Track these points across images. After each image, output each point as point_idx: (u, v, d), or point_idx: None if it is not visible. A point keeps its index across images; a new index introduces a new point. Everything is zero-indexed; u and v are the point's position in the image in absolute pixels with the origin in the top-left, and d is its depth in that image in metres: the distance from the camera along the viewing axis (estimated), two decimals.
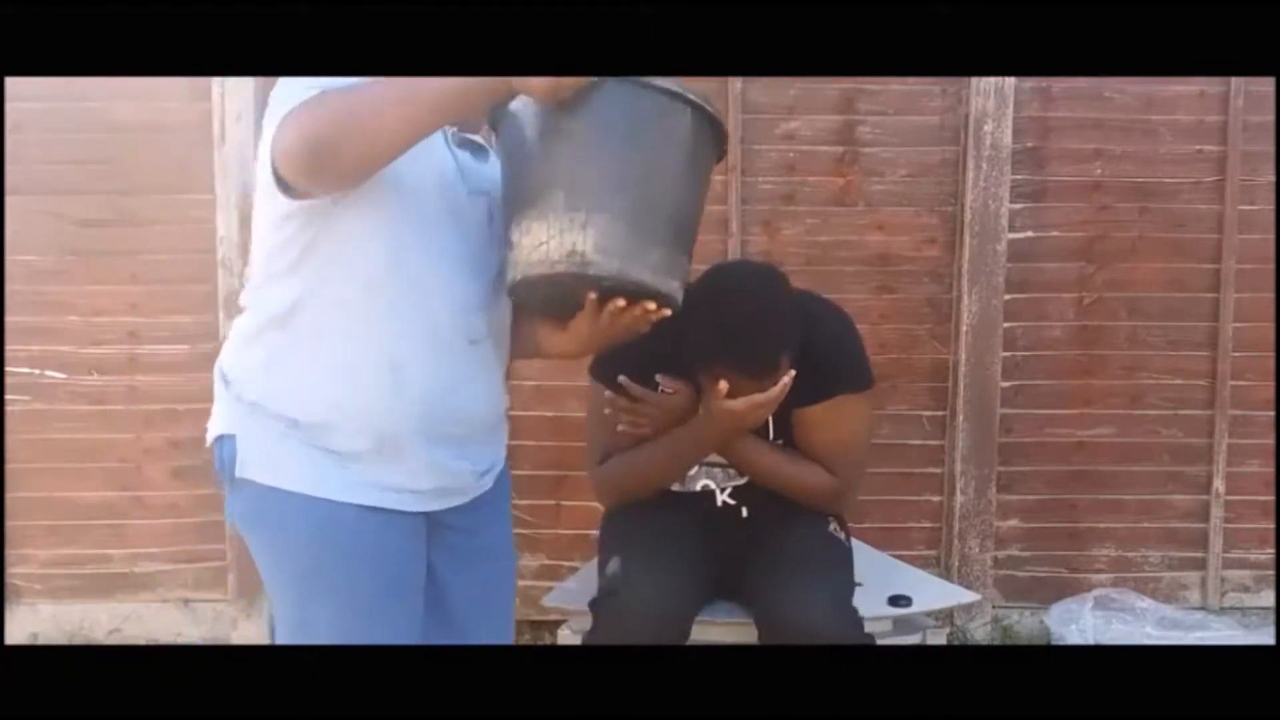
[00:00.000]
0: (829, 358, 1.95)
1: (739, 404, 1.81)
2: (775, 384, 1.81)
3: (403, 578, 1.48)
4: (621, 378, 1.91)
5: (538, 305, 1.55)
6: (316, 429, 1.43)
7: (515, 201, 1.45)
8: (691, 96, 1.44)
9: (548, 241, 1.41)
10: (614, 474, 2.04)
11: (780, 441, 2.00)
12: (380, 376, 1.42)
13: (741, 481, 2.05)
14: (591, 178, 1.41)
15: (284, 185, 1.35)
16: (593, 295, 1.44)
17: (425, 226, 1.44)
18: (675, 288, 1.47)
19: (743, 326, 1.80)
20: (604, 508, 2.13)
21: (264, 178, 1.38)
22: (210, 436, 1.50)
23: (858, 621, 1.90)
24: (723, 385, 1.79)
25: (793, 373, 1.82)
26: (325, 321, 1.42)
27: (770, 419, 1.96)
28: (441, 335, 1.45)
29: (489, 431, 1.56)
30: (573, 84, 1.32)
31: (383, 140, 1.29)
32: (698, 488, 2.06)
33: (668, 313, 1.47)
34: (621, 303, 1.43)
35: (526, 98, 1.37)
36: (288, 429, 1.43)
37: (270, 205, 1.41)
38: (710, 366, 1.84)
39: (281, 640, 1.49)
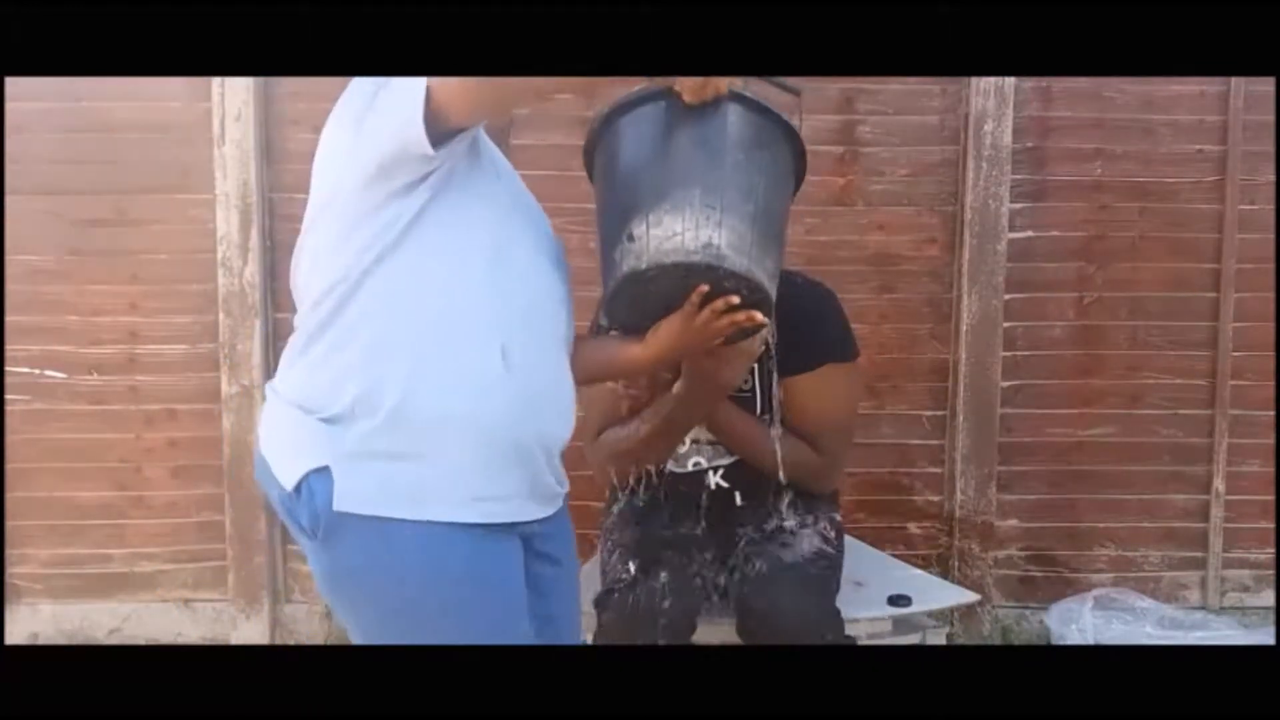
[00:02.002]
0: (813, 329, 1.98)
1: (714, 358, 1.79)
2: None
3: (520, 607, 1.44)
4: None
5: (636, 305, 1.57)
6: (422, 430, 1.34)
7: (637, 198, 1.51)
8: (799, 133, 1.61)
9: (682, 233, 1.48)
10: (609, 446, 2.04)
11: (767, 417, 2.01)
12: (491, 362, 1.37)
13: (730, 460, 2.05)
14: (725, 181, 1.51)
15: (434, 126, 1.31)
16: (704, 288, 1.50)
17: (523, 223, 1.48)
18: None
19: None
20: (602, 481, 2.14)
21: (384, 148, 1.33)
22: (293, 479, 1.35)
23: (836, 623, 1.90)
24: None
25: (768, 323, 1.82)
26: (430, 313, 1.36)
27: (757, 392, 1.99)
28: (542, 326, 1.45)
29: (563, 442, 1.52)
30: (717, 84, 1.45)
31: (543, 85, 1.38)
32: (689, 465, 2.06)
33: (765, 321, 1.55)
34: (735, 299, 1.49)
35: (649, 106, 1.51)
36: (387, 441, 1.34)
37: (362, 195, 1.35)
38: None
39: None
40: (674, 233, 1.47)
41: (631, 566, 1.94)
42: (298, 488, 1.34)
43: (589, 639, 2.03)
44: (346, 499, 1.33)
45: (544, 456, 1.44)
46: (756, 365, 1.94)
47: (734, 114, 1.53)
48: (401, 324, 1.36)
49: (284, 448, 1.38)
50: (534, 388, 1.42)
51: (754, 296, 1.53)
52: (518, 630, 1.42)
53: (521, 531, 1.45)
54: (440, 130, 1.32)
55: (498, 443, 1.38)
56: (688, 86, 1.47)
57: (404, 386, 1.34)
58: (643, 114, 1.54)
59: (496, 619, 1.40)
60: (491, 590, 1.40)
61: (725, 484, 2.06)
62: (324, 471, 1.33)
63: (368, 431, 1.34)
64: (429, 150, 1.31)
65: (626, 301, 1.56)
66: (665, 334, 1.57)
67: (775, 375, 1.95)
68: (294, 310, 1.48)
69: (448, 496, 1.35)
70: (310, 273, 1.42)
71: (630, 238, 1.50)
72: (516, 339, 1.40)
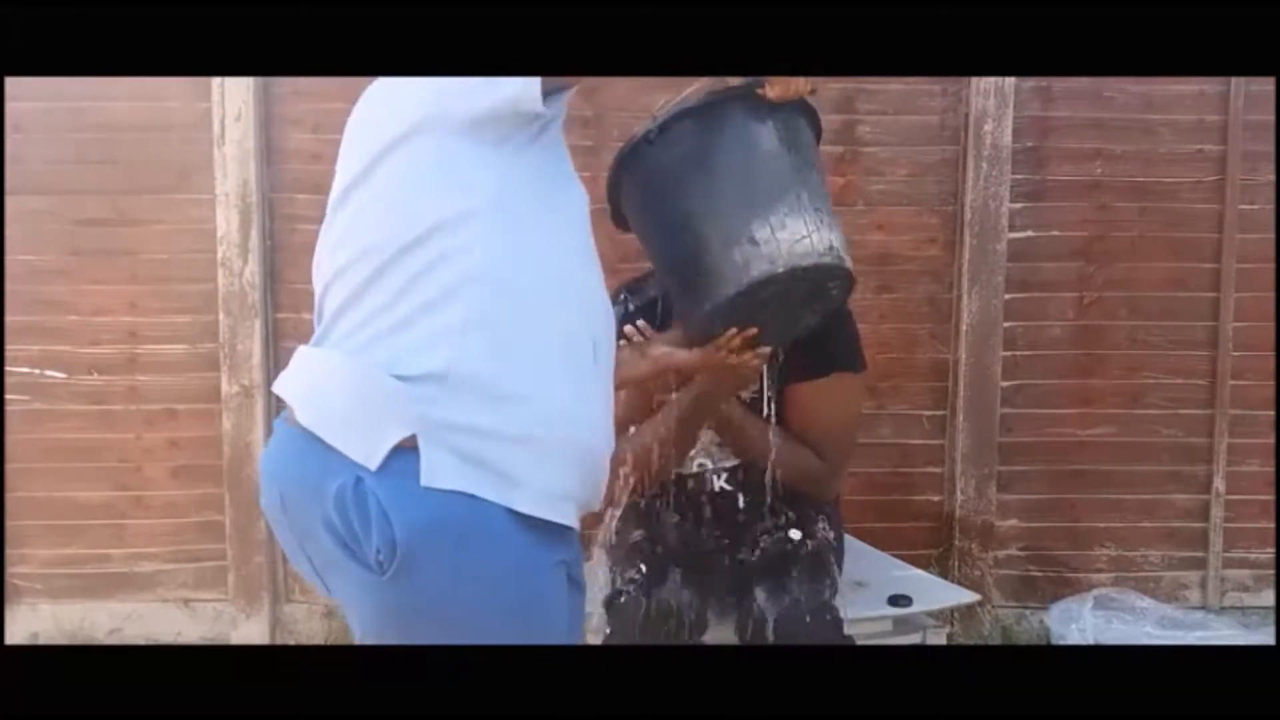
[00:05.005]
0: (825, 337, 1.98)
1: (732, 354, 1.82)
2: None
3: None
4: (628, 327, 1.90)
5: (743, 310, 1.61)
6: (520, 414, 1.27)
7: (746, 199, 1.54)
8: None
9: (809, 235, 1.52)
10: (620, 452, 2.05)
11: (774, 421, 2.02)
12: (586, 355, 1.34)
13: (735, 462, 2.06)
14: (817, 184, 1.58)
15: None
16: (734, 330, 1.63)
17: (588, 218, 1.43)
18: None
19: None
20: (611, 488, 2.14)
21: (487, 100, 1.28)
22: (382, 450, 1.23)
23: (834, 622, 1.90)
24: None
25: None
26: (534, 294, 1.30)
27: (765, 397, 2.00)
28: (611, 325, 1.44)
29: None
30: (798, 84, 1.53)
31: None
32: (694, 466, 2.07)
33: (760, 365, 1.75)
34: (754, 331, 1.62)
35: (730, 106, 1.56)
36: (483, 419, 1.25)
37: (450, 145, 1.28)
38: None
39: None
40: (800, 235, 1.51)
41: (642, 567, 1.95)
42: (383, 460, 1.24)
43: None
44: (436, 474, 1.23)
45: (604, 460, 1.39)
46: (765, 368, 1.95)
47: (805, 119, 1.60)
48: (506, 299, 1.28)
49: (367, 413, 1.26)
50: (609, 388, 1.40)
51: (845, 296, 1.64)
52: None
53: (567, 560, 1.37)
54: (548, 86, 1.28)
55: (583, 439, 1.34)
56: (776, 84, 1.53)
57: (507, 366, 1.27)
58: (724, 115, 1.55)
59: (561, 622, 1.37)
60: (566, 622, 1.37)
61: (729, 487, 2.07)
62: (412, 439, 1.24)
63: (463, 407, 1.25)
64: (539, 106, 1.28)
65: (744, 305, 1.58)
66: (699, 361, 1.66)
67: (773, 380, 1.95)
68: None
69: (535, 487, 1.28)
70: (367, 226, 1.32)
71: (753, 241, 1.52)
72: (600, 336, 1.37)
